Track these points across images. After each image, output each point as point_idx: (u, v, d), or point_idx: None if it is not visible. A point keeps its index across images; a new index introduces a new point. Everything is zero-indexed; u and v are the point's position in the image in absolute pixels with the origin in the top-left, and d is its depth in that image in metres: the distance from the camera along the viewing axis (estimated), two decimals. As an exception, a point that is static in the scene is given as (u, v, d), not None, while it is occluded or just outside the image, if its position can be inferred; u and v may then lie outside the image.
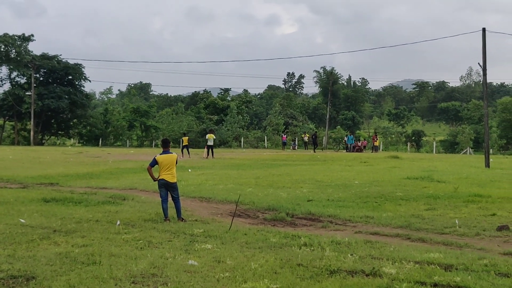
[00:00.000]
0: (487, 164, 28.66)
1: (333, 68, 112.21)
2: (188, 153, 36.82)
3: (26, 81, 72.18)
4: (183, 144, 38.11)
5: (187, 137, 39.46)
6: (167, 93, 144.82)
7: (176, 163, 11.77)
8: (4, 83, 73.18)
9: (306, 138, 58.70)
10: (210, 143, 36.35)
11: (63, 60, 73.42)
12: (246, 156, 39.70)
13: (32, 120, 68.54)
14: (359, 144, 55.92)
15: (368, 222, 11.54)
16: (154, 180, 11.76)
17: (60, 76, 72.86)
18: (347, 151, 53.14)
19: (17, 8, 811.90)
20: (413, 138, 72.92)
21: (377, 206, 13.78)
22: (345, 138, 60.05)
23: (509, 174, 23.64)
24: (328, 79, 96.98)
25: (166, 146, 11.93)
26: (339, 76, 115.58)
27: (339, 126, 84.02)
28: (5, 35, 69.98)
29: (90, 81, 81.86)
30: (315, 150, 51.21)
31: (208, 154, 35.75)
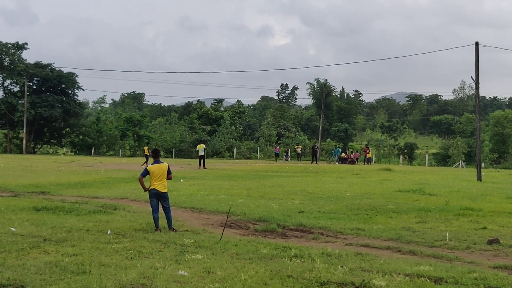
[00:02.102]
0: (479, 178, 28.78)
1: (326, 80, 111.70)
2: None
3: (19, 89, 71.89)
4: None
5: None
6: (160, 103, 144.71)
7: (169, 172, 11.76)
8: (-3, 91, 72.97)
9: (299, 150, 58.84)
10: (201, 153, 36.27)
11: (56, 69, 73.27)
12: (239, 167, 39.70)
13: (24, 128, 68.28)
14: (352, 156, 56.09)
15: (359, 234, 11.56)
16: (145, 190, 11.75)
17: (53, 84, 72.65)
18: (339, 163, 53.25)
19: (8, 15, 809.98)
20: (406, 150, 73.34)
21: (368, 219, 13.81)
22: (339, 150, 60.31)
23: (501, 188, 23.76)
24: (322, 91, 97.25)
25: (156, 156, 11.94)
26: (332, 88, 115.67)
27: (329, 139, 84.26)
28: (-1, 42, 69.88)
29: (83, 90, 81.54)
30: (317, 162, 51.31)
31: (200, 165, 35.68)
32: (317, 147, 54.62)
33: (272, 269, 7.94)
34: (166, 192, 11.71)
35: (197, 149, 37.26)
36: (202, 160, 35.94)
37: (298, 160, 59.16)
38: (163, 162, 11.81)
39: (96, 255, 8.78)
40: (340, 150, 56.01)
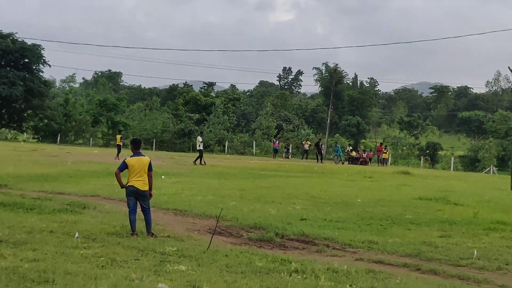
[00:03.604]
0: (513, 186, 28.83)
1: (336, 64, 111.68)
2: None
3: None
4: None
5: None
6: (140, 85, 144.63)
7: (151, 168, 11.75)
8: None
9: (306, 146, 58.49)
10: (197, 147, 36.84)
11: (19, 40, 72.74)
12: (231, 163, 39.70)
13: (-22, 108, 68.04)
14: (364, 155, 56.14)
15: (371, 248, 11.59)
16: (122, 187, 11.73)
17: (15, 58, 72.09)
18: (349, 163, 53.28)
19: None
20: (428, 151, 73.46)
21: (382, 230, 13.84)
22: (348, 148, 60.30)
23: (538, 199, 23.80)
24: (331, 77, 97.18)
25: (137, 148, 11.93)
26: (343, 74, 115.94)
27: (337, 134, 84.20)
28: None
29: (49, 65, 79.46)
30: (322, 160, 51.38)
31: (196, 159, 36.25)
32: (322, 144, 54.54)
33: (269, 286, 7.95)
34: (147, 191, 11.70)
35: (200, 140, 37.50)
36: (199, 154, 36.46)
37: (302, 158, 59.07)
38: (144, 155, 11.80)
39: (61, 261, 8.76)
40: (340, 147, 55.74)
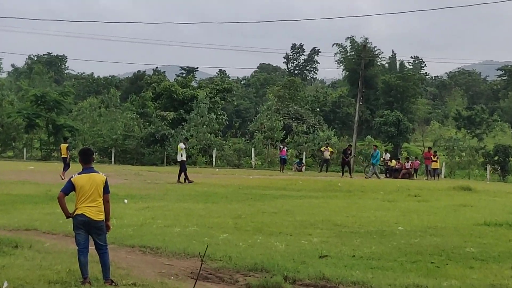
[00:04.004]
0: None
1: (366, 39, 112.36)
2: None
3: None
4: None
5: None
6: (92, 73, 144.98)
7: (107, 188, 11.71)
8: None
9: (327, 154, 58.34)
10: (179, 157, 37.54)
11: None
12: (221, 180, 39.68)
13: None
14: (407, 165, 56.08)
15: (419, 295, 11.59)
16: (68, 216, 11.70)
17: None
18: (387, 177, 53.25)
19: None
20: (497, 158, 73.23)
21: (434, 269, 13.82)
22: (385, 156, 60.18)
23: None
24: (359, 57, 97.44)
25: (87, 161, 11.88)
26: (376, 52, 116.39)
27: (369, 136, 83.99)
28: None
29: None
30: (351, 174, 51.32)
31: (180, 175, 36.77)
32: (351, 152, 54.38)
33: None
34: (102, 221, 11.66)
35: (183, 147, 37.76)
36: (180, 168, 37.08)
37: (321, 170, 58.91)
38: (98, 172, 11.77)
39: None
40: (380, 153, 55.57)
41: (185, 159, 37.38)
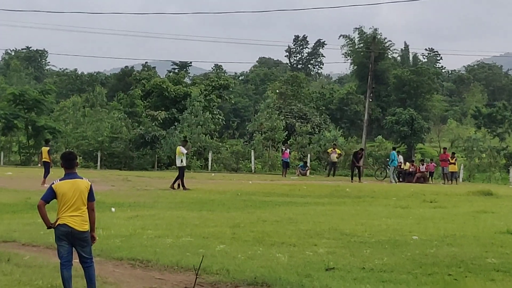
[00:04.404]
0: None
1: (376, 30, 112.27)
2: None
3: None
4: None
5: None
6: (75, 69, 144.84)
7: (92, 195, 11.67)
8: None
9: (334, 157, 58.36)
10: (178, 162, 37.52)
11: None
12: (217, 186, 39.71)
13: None
14: (422, 168, 56.07)
15: (436, 311, 11.61)
16: (49, 227, 11.68)
17: None
18: (400, 181, 53.25)
19: None
20: (520, 159, 73.30)
21: (451, 282, 13.82)
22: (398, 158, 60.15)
23: None
24: (368, 49, 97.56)
25: (70, 166, 11.85)
26: (387, 44, 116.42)
27: (380, 136, 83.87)
28: None
29: None
30: (360, 178, 51.33)
31: (176, 181, 36.88)
32: (361, 156, 54.30)
33: None
34: (87, 231, 11.65)
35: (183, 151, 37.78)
36: (178, 174, 37.20)
37: (328, 174, 58.95)
38: (81, 178, 11.75)
39: None
40: (398, 155, 55.53)
41: (185, 165, 37.41)
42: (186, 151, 37.86)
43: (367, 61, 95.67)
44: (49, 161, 38.90)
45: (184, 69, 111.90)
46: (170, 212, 24.82)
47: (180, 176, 36.63)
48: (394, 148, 60.26)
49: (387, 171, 54.53)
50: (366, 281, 13.69)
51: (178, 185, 36.47)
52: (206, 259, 14.15)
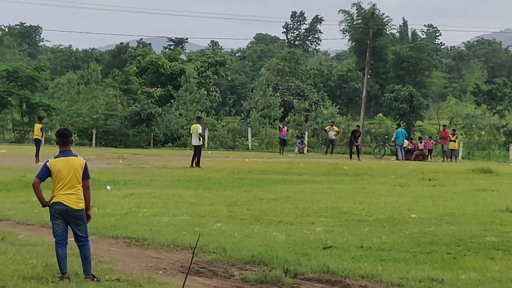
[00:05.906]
0: None
1: (374, 5, 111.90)
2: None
3: None
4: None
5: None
6: (70, 45, 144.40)
7: (87, 173, 11.64)
8: None
9: (332, 135, 58.37)
10: (195, 141, 37.63)
11: None
12: (213, 164, 39.67)
13: None
14: (420, 146, 56.00)
15: (434, 290, 11.60)
16: (44, 205, 11.65)
17: None
18: (397, 159, 53.20)
19: None
20: (520, 137, 73.24)
21: (450, 261, 13.82)
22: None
23: None
24: (367, 25, 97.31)
25: (65, 143, 11.80)
26: (386, 20, 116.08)
27: (381, 114, 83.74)
28: None
29: None
30: (359, 156, 51.41)
31: (194, 159, 37.08)
32: (360, 133, 54.34)
33: None
34: (82, 210, 11.62)
35: (190, 132, 37.84)
36: (195, 152, 37.40)
37: (326, 152, 59.01)
38: (76, 155, 11.71)
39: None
40: (403, 134, 55.52)
41: (201, 143, 37.48)
42: (200, 130, 37.80)
43: (365, 37, 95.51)
44: (40, 138, 38.78)
45: (180, 46, 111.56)
46: (166, 190, 24.82)
47: (197, 154, 36.67)
48: (399, 125, 60.19)
49: (386, 149, 54.47)
50: (364, 260, 13.69)
51: (195, 163, 36.46)
52: (203, 238, 14.14)
